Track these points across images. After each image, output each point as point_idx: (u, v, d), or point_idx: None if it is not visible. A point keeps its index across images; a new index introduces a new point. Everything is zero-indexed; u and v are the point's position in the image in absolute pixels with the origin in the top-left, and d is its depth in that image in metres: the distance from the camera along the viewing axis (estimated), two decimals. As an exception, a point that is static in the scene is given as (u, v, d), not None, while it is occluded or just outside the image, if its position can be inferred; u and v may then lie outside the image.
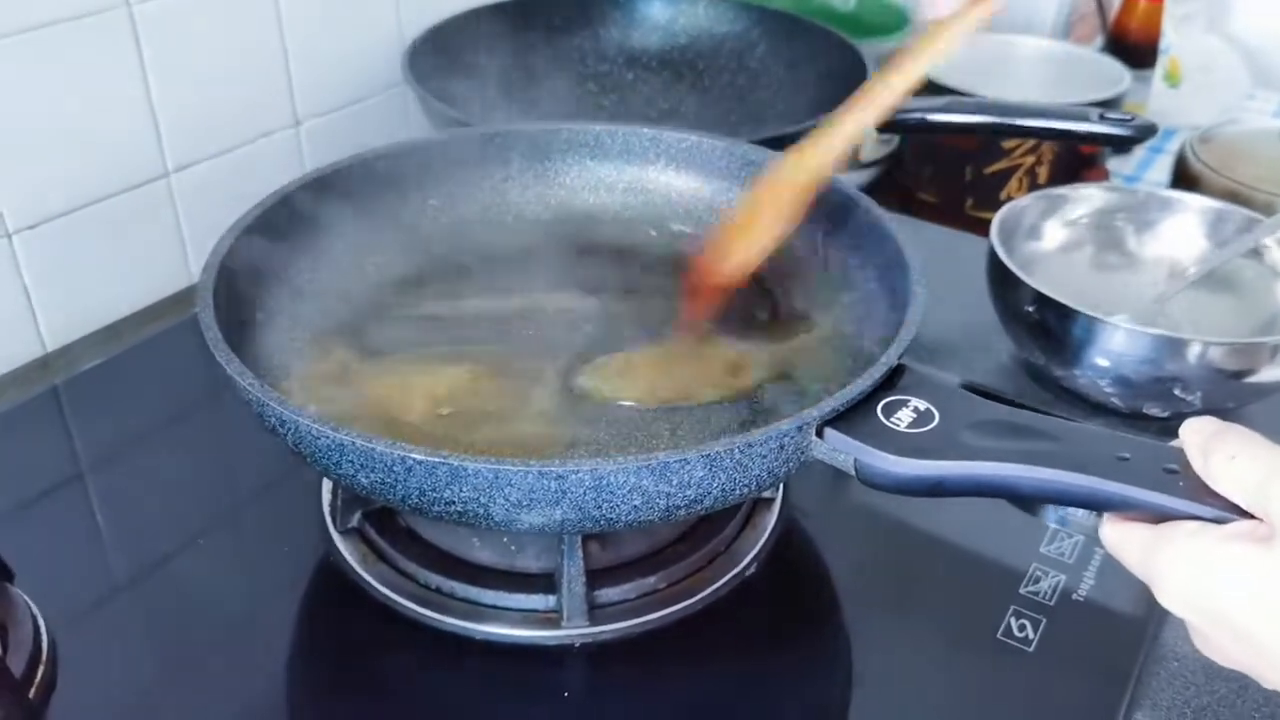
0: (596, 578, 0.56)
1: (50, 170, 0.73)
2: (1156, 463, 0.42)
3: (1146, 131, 0.74)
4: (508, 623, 0.55)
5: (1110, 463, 0.43)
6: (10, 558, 0.55)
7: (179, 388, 0.74)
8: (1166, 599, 0.40)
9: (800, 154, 0.63)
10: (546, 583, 0.56)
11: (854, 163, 1.11)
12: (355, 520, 0.59)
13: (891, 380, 0.49)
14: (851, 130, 0.63)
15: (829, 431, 0.47)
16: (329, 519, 0.60)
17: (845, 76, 0.89)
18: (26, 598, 0.55)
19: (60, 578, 0.58)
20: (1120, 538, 0.43)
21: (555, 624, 0.55)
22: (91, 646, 0.54)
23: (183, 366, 0.76)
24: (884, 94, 0.62)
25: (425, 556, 0.57)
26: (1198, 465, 0.41)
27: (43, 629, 0.54)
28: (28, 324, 0.75)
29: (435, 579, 0.57)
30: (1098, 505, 0.44)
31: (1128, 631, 0.56)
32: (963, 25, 0.60)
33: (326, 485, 0.63)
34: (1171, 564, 0.40)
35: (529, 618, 0.55)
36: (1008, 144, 1.02)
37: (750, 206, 0.65)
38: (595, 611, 0.55)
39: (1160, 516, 0.41)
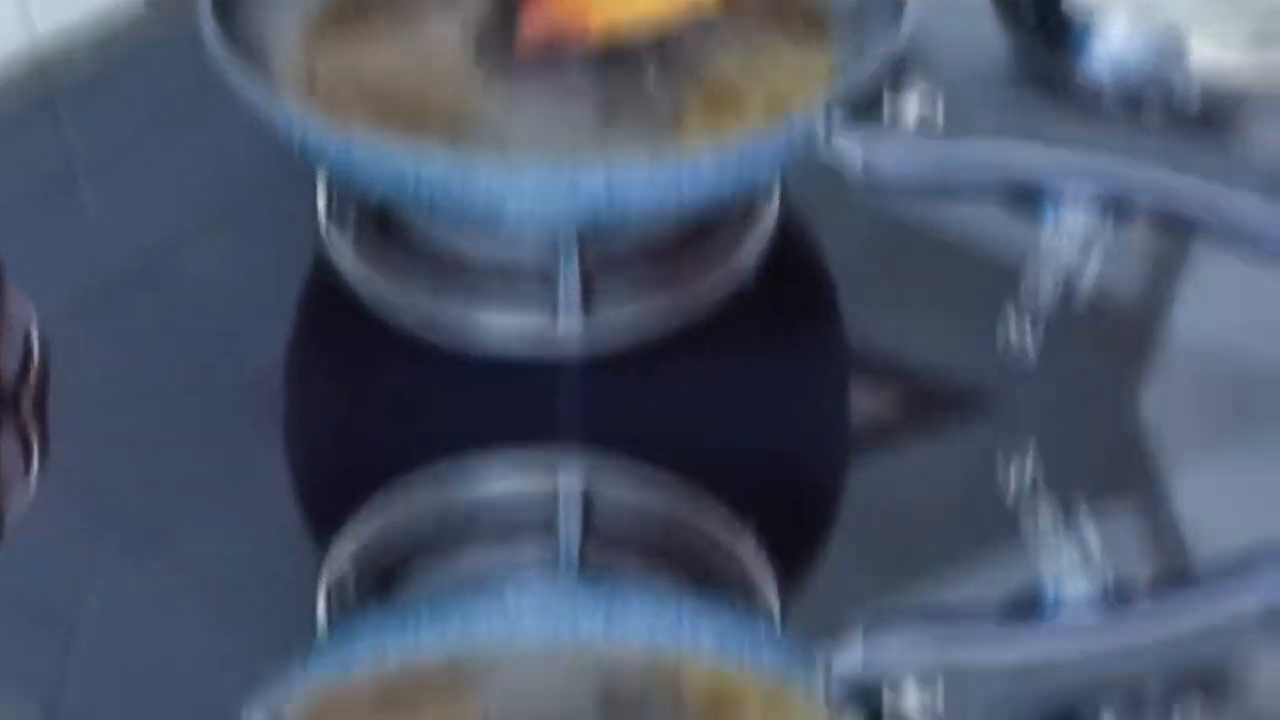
0: (593, 294, 0.55)
1: None
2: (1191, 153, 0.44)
3: None
4: (503, 336, 0.55)
5: (1128, 144, 0.44)
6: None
7: (172, 87, 0.70)
8: None
9: None
10: (544, 295, 0.55)
11: None
12: (350, 224, 0.59)
13: (895, 73, 0.47)
14: None
15: (835, 129, 0.46)
16: (323, 223, 0.59)
17: None
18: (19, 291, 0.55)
19: (53, 277, 0.58)
20: None
21: (552, 338, 0.55)
22: (84, 343, 0.55)
23: (177, 64, 0.73)
24: None
25: (420, 266, 0.57)
26: None
27: (33, 326, 0.54)
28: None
29: (430, 288, 0.56)
30: (1119, 190, 0.44)
31: (1130, 330, 0.57)
32: None
33: (322, 190, 0.60)
34: None
35: (525, 329, 0.55)
36: None
37: None
38: (591, 321, 0.55)
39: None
